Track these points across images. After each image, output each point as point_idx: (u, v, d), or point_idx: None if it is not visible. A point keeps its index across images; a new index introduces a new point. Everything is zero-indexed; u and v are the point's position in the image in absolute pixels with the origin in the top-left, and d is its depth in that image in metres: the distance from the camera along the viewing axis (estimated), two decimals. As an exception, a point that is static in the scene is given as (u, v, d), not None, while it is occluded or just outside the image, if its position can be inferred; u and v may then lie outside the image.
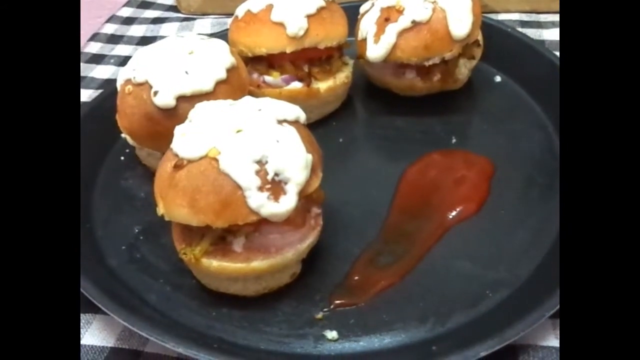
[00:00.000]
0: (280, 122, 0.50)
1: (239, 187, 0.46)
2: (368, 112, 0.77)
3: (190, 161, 0.47)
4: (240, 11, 0.71)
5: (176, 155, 0.48)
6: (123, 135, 0.64)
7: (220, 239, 0.49)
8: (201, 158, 0.47)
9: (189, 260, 0.49)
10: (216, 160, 0.46)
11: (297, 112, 0.52)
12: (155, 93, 0.58)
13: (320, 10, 0.68)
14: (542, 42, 0.87)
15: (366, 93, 0.78)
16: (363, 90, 0.78)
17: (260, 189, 0.46)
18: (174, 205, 0.48)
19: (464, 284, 0.52)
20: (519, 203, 0.61)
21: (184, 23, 1.02)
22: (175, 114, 0.58)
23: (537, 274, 0.53)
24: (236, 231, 0.48)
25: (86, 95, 0.85)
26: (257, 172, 0.46)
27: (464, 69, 0.72)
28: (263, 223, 0.47)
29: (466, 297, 0.51)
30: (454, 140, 0.69)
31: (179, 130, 0.50)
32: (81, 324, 0.51)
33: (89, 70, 0.91)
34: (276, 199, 0.46)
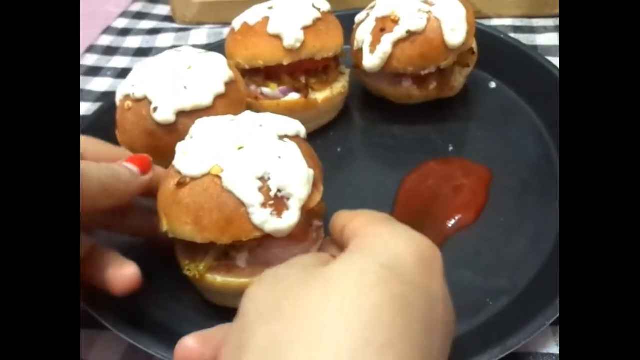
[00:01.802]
0: (281, 137, 0.51)
1: (243, 204, 0.46)
2: (365, 121, 0.78)
3: (193, 179, 0.48)
4: (236, 24, 0.72)
5: (178, 173, 0.49)
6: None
7: (224, 255, 0.50)
8: (204, 175, 0.47)
9: (194, 277, 0.50)
10: (219, 177, 0.47)
11: (297, 127, 0.53)
12: (155, 109, 0.58)
13: (316, 21, 0.69)
14: (535, 47, 0.88)
15: (363, 102, 0.79)
16: (360, 99, 0.79)
17: (264, 205, 0.46)
18: (178, 222, 0.48)
19: (464, 293, 0.52)
20: (517, 210, 0.61)
21: (180, 34, 1.02)
22: (175, 130, 0.58)
23: (537, 281, 0.53)
24: (240, 247, 0.49)
25: (84, 108, 0.85)
26: (260, 189, 0.46)
27: (459, 76, 0.73)
28: (266, 238, 0.47)
29: (467, 306, 0.52)
30: (451, 148, 0.70)
31: (180, 147, 0.51)
32: (86, 342, 0.52)
33: (86, 83, 0.91)
34: (279, 214, 0.47)
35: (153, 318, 0.53)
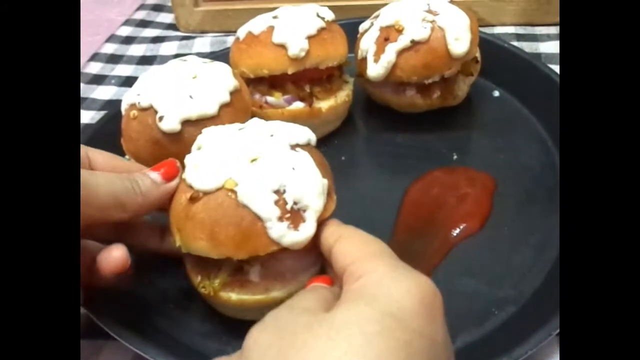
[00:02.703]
0: (293, 147, 0.50)
1: (259, 219, 0.45)
2: (369, 129, 0.78)
3: (206, 193, 0.47)
4: (241, 33, 0.72)
5: (190, 187, 0.48)
6: (127, 157, 0.65)
7: (238, 269, 0.50)
8: (217, 189, 0.46)
9: (208, 294, 0.49)
10: (234, 192, 0.46)
11: (308, 135, 0.52)
12: (161, 118, 0.58)
13: (321, 31, 0.69)
14: (539, 55, 0.88)
15: (367, 111, 0.79)
16: (363, 107, 0.79)
17: (280, 219, 0.45)
18: (192, 238, 0.47)
19: (469, 303, 0.53)
20: (521, 218, 0.61)
21: (183, 42, 1.03)
22: (180, 139, 0.59)
23: (542, 290, 0.53)
24: (253, 260, 0.48)
25: (88, 116, 0.85)
26: (276, 202, 0.46)
27: (463, 85, 0.73)
28: (279, 250, 0.46)
29: (472, 316, 0.52)
30: (455, 157, 0.70)
31: (190, 160, 0.50)
32: (92, 351, 0.52)
33: (90, 92, 0.92)
34: (296, 227, 0.46)
35: (159, 328, 0.53)
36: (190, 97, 0.59)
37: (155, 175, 0.50)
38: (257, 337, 0.34)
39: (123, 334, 0.49)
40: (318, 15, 0.70)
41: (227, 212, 0.46)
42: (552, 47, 0.89)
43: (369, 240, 0.43)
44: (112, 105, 0.81)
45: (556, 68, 0.78)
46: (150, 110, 0.60)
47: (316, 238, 0.47)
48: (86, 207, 0.43)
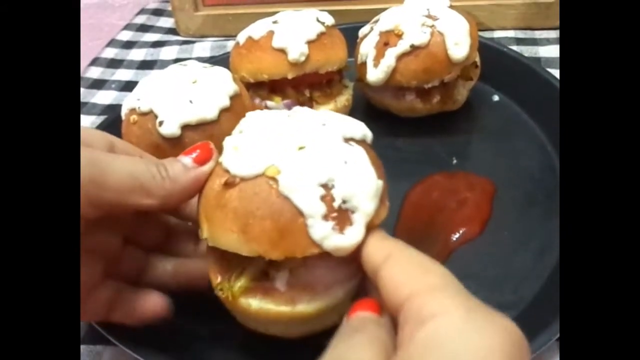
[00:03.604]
0: (347, 140, 0.44)
1: (301, 214, 0.39)
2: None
3: (243, 179, 0.41)
4: (241, 38, 0.72)
5: (227, 172, 0.42)
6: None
7: (263, 274, 0.44)
8: (257, 177, 0.41)
9: (226, 298, 0.44)
10: (275, 180, 0.40)
11: (364, 130, 0.47)
12: (161, 123, 0.59)
13: (321, 35, 0.69)
14: (538, 59, 0.88)
15: (366, 115, 0.79)
16: (363, 112, 0.79)
17: (326, 217, 0.39)
18: (221, 229, 0.41)
19: (469, 307, 0.53)
20: (521, 223, 0.61)
21: (184, 46, 1.03)
22: (180, 143, 0.58)
23: (542, 295, 0.53)
24: (281, 264, 0.43)
25: (89, 121, 0.86)
26: (323, 198, 0.40)
27: (463, 89, 0.74)
28: (313, 256, 0.41)
29: (472, 320, 0.52)
30: (454, 161, 0.70)
31: (229, 142, 0.45)
32: (91, 357, 0.52)
33: (90, 96, 0.92)
34: (341, 230, 0.40)
35: (160, 333, 0.53)
36: (190, 101, 0.59)
37: (187, 160, 0.45)
38: None
39: (123, 339, 0.49)
40: (318, 20, 0.71)
41: (265, 202, 0.40)
42: (552, 51, 0.90)
43: (428, 265, 0.36)
44: (113, 110, 0.81)
45: (556, 72, 0.78)
46: (150, 115, 0.60)
47: (358, 247, 0.41)
48: (100, 189, 0.40)
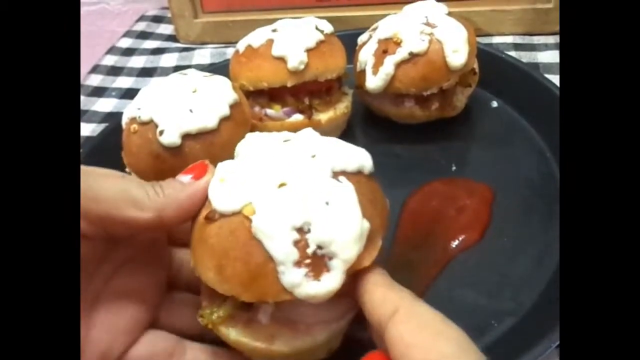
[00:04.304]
0: (336, 174, 0.41)
1: (272, 259, 0.37)
2: (368, 140, 0.78)
3: (222, 215, 0.40)
4: (240, 46, 0.73)
5: (211, 204, 0.41)
6: (128, 170, 0.65)
7: (247, 305, 0.42)
8: (234, 214, 0.39)
9: (206, 326, 0.43)
10: (250, 220, 0.38)
11: (360, 161, 0.43)
12: (161, 132, 0.59)
13: (320, 44, 0.70)
14: (537, 65, 0.89)
15: (365, 122, 0.79)
16: (362, 119, 0.79)
17: (298, 264, 0.37)
18: (201, 264, 0.41)
19: (468, 315, 0.53)
20: (521, 229, 0.62)
21: (183, 53, 1.03)
22: (181, 152, 0.59)
23: (541, 302, 0.53)
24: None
25: (89, 129, 0.86)
26: (296, 243, 0.37)
27: (461, 96, 0.74)
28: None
29: (471, 328, 0.51)
30: (454, 168, 0.70)
31: (220, 171, 0.43)
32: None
33: (90, 104, 0.92)
34: (316, 276, 0.37)
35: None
36: (191, 111, 0.60)
37: (182, 177, 0.44)
38: None
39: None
40: (317, 28, 0.71)
41: (238, 243, 0.38)
42: (550, 57, 0.90)
43: (440, 328, 0.35)
44: (113, 118, 0.82)
45: (554, 78, 0.78)
46: (150, 124, 0.60)
47: (345, 287, 0.39)
48: (91, 201, 0.39)
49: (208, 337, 0.46)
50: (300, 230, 0.38)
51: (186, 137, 0.59)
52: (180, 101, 0.61)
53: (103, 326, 0.43)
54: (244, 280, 0.38)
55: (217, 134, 0.60)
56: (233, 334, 0.42)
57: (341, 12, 0.98)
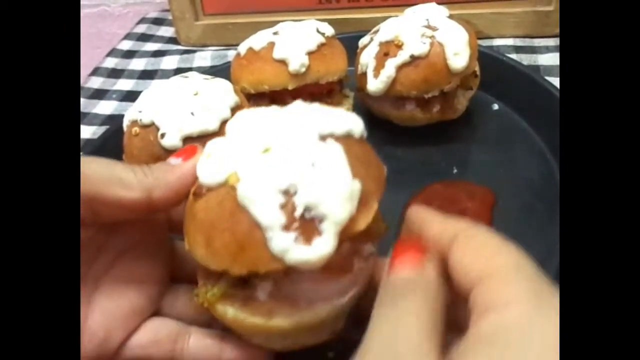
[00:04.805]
0: (323, 137, 0.39)
1: (259, 226, 0.36)
2: (369, 143, 0.78)
3: (209, 189, 0.39)
4: (242, 49, 0.73)
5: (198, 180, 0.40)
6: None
7: (243, 281, 0.41)
8: (220, 186, 0.38)
9: (202, 304, 0.42)
10: (234, 189, 0.37)
11: (348, 125, 0.41)
12: (163, 135, 0.59)
13: (321, 46, 0.70)
14: (538, 67, 0.89)
15: (367, 124, 0.78)
16: (363, 121, 0.78)
17: (286, 228, 0.35)
18: (193, 242, 0.39)
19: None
20: (521, 233, 0.60)
21: (184, 56, 1.03)
22: (182, 155, 0.59)
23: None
24: (263, 274, 0.39)
25: (89, 132, 0.86)
26: (283, 206, 0.35)
27: (462, 98, 0.74)
28: (292, 268, 0.37)
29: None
30: (455, 170, 0.70)
31: (207, 148, 0.43)
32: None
33: (91, 107, 0.92)
34: (307, 241, 0.35)
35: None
36: (192, 113, 0.60)
37: (171, 159, 0.44)
38: None
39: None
40: (318, 31, 0.71)
41: (224, 214, 0.37)
42: (551, 59, 0.90)
43: (497, 245, 0.34)
44: (114, 121, 0.82)
45: (555, 80, 0.78)
46: (151, 127, 0.60)
47: (351, 257, 0.38)
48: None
49: (215, 326, 0.46)
50: (286, 192, 0.36)
51: (187, 139, 0.59)
52: (181, 104, 0.61)
53: (102, 313, 0.43)
54: (233, 251, 0.37)
55: (218, 137, 0.60)
56: (230, 311, 0.40)
57: (342, 14, 0.98)
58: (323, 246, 0.35)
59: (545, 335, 0.27)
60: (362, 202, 0.38)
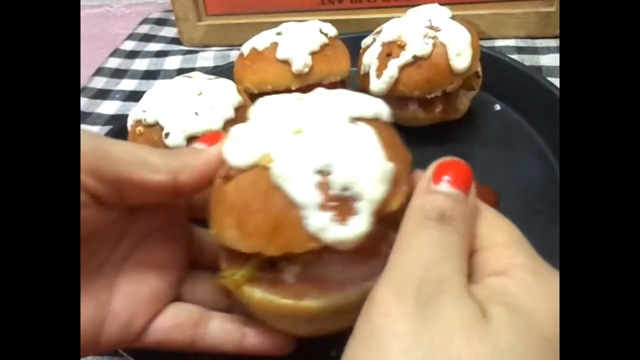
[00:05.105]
0: (353, 120, 0.39)
1: (295, 205, 0.36)
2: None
3: (240, 171, 0.39)
4: (245, 49, 0.73)
5: (227, 163, 0.40)
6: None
7: (270, 264, 0.40)
8: (252, 167, 0.38)
9: (228, 287, 0.41)
10: (268, 169, 0.37)
11: (376, 108, 0.42)
12: (167, 134, 0.59)
13: (324, 47, 0.70)
14: (539, 68, 0.89)
15: (369, 124, 0.79)
16: (366, 121, 0.79)
17: (322, 207, 0.35)
18: (222, 225, 0.39)
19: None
20: (524, 232, 0.61)
21: (187, 56, 1.04)
22: (186, 155, 0.59)
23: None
24: (291, 257, 0.38)
25: (93, 131, 0.86)
26: (319, 186, 0.35)
27: (465, 99, 0.74)
28: (324, 250, 0.36)
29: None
30: (457, 171, 0.71)
31: (233, 131, 0.42)
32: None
33: (95, 107, 0.93)
34: (343, 220, 0.35)
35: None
36: (196, 113, 0.60)
37: (196, 145, 0.44)
38: (396, 322, 0.28)
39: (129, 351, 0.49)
40: (321, 32, 0.72)
41: (258, 194, 0.37)
42: (553, 60, 0.90)
43: (495, 221, 0.36)
44: (117, 120, 0.82)
45: (556, 81, 0.78)
46: (156, 126, 0.61)
47: (379, 241, 0.38)
48: (101, 159, 0.38)
49: (235, 312, 0.46)
50: (322, 172, 0.36)
51: (191, 139, 0.59)
52: (185, 104, 0.61)
53: (125, 297, 0.43)
54: (267, 232, 0.36)
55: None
56: (258, 293, 0.40)
57: (345, 15, 0.98)
58: (359, 225, 0.35)
59: (545, 301, 0.30)
60: (395, 183, 0.38)
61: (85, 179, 0.38)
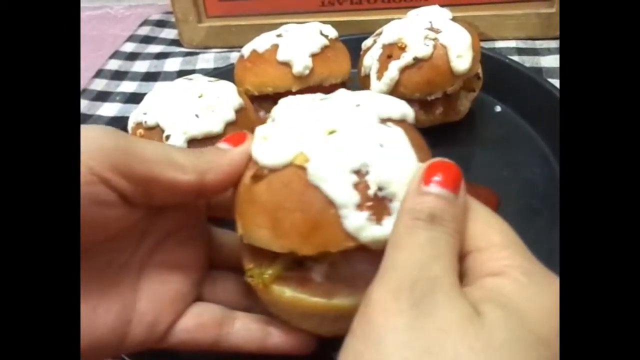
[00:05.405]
0: (383, 120, 0.40)
1: (333, 204, 0.36)
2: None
3: (272, 170, 0.39)
4: (245, 51, 0.73)
5: (256, 163, 0.40)
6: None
7: (298, 263, 0.40)
8: (285, 167, 0.38)
9: (257, 286, 0.41)
10: (304, 169, 0.37)
11: (403, 109, 0.43)
12: (167, 137, 0.59)
13: (325, 49, 0.70)
14: (540, 69, 0.89)
15: (370, 126, 0.79)
16: (367, 123, 0.79)
17: (360, 207, 0.36)
18: (253, 225, 0.39)
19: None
20: (525, 234, 0.60)
21: (187, 58, 1.04)
22: (186, 157, 0.59)
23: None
24: (319, 256, 0.39)
25: (94, 133, 0.86)
26: (356, 185, 0.36)
27: (465, 101, 0.74)
28: (355, 250, 0.37)
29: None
30: (457, 172, 0.71)
31: (259, 132, 0.42)
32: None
33: (95, 109, 0.92)
34: (378, 220, 0.36)
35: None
36: (196, 116, 0.60)
37: (221, 144, 0.43)
38: (392, 319, 0.29)
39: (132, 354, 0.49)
40: (321, 33, 0.72)
41: (293, 194, 0.37)
42: (553, 61, 0.90)
43: (492, 222, 0.36)
44: (118, 122, 0.82)
45: (557, 82, 0.78)
46: (156, 129, 0.61)
47: None
48: (127, 156, 0.38)
49: (255, 312, 0.46)
50: (358, 172, 0.37)
51: (192, 141, 0.59)
52: (186, 106, 0.61)
53: (149, 298, 0.43)
54: (304, 231, 0.37)
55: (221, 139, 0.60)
56: (287, 293, 0.40)
57: (345, 17, 0.98)
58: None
59: (539, 301, 0.30)
60: None
61: (115, 178, 0.38)
